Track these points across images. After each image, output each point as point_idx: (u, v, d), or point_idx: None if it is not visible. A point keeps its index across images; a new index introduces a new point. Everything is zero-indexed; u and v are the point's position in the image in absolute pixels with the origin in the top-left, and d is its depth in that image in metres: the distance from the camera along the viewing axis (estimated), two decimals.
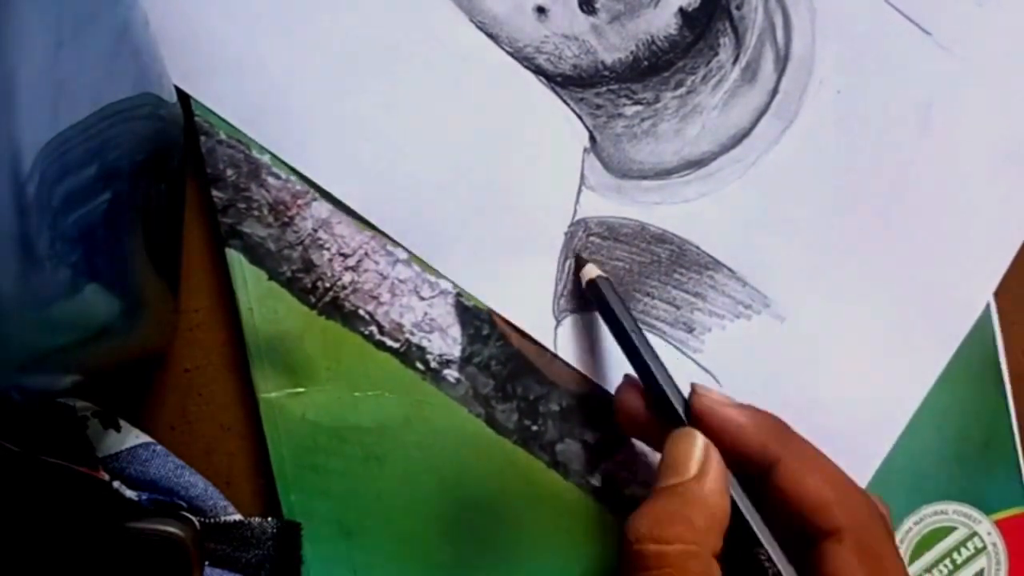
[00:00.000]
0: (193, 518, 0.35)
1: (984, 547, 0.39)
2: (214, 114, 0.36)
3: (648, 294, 0.39)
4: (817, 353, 0.39)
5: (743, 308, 0.39)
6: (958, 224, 0.40)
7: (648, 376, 0.35)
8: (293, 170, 0.37)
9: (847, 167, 0.39)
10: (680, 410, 0.34)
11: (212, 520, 0.36)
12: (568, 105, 0.38)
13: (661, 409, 0.35)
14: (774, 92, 0.39)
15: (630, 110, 0.39)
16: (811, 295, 0.39)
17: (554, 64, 0.38)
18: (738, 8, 0.38)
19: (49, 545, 0.33)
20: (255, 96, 0.36)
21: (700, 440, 0.33)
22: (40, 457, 0.34)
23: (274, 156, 0.37)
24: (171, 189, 0.35)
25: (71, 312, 0.27)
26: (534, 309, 0.38)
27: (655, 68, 0.38)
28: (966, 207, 0.40)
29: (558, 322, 0.38)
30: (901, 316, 0.39)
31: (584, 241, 0.39)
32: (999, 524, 0.39)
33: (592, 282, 0.37)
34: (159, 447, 0.36)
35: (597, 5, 0.38)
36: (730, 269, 0.39)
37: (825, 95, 0.39)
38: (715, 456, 0.32)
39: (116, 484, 0.35)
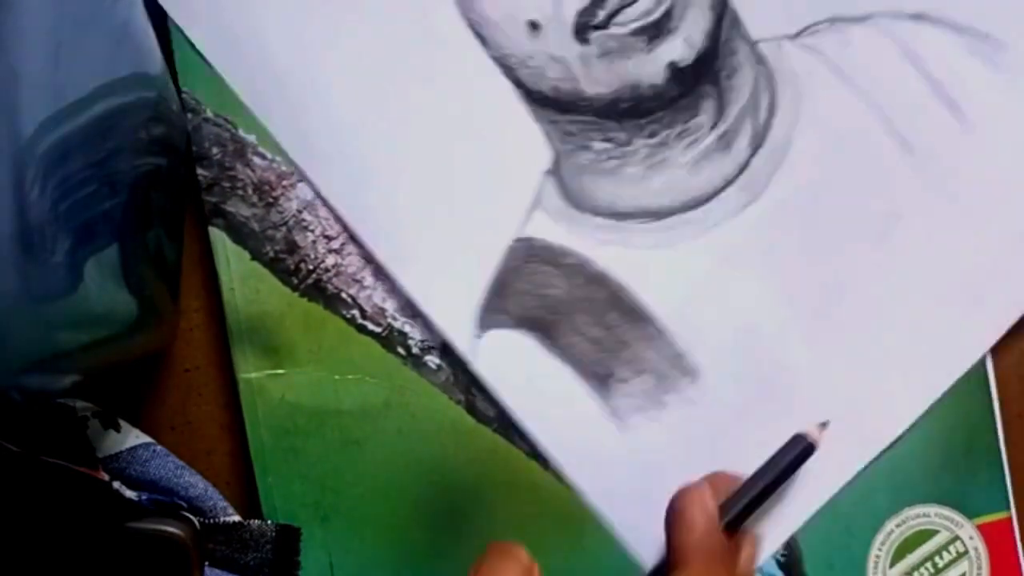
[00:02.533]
0: (193, 518, 0.36)
1: (966, 551, 0.39)
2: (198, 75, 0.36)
3: (576, 330, 0.37)
4: (727, 435, 0.38)
5: (665, 367, 0.38)
6: (905, 336, 0.38)
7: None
8: (279, 151, 0.37)
9: (799, 257, 0.38)
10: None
11: (212, 521, 0.36)
12: (539, 124, 0.38)
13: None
14: (744, 166, 0.38)
15: (599, 145, 0.38)
16: (736, 371, 0.38)
17: (535, 81, 0.37)
18: (728, 78, 0.38)
19: (49, 545, 0.33)
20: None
21: None
22: (40, 457, 0.34)
23: (260, 136, 0.36)
24: (171, 191, 0.35)
25: (75, 311, 0.27)
26: (457, 313, 0.37)
27: (634, 112, 0.38)
28: (914, 328, 0.38)
29: (480, 334, 0.38)
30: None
31: (523, 261, 0.37)
32: (981, 528, 0.39)
33: (810, 444, 0.36)
34: (159, 447, 0.36)
35: (591, 36, 0.37)
36: (660, 327, 0.38)
37: (795, 181, 0.38)
38: None
39: (116, 484, 0.35)
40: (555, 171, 0.38)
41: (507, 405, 0.37)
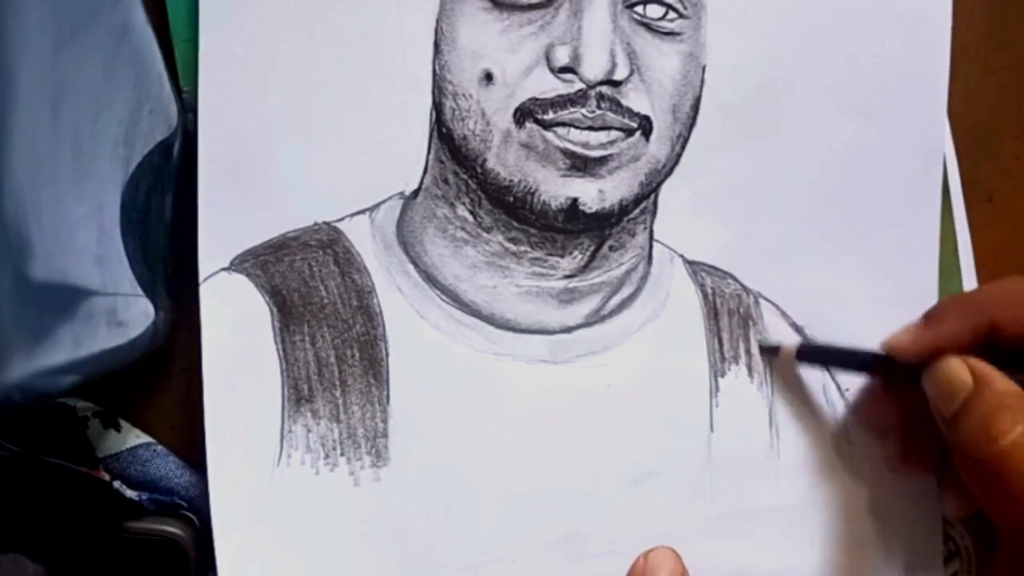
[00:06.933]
0: (193, 518, 0.36)
1: (958, 550, 0.40)
2: None
3: (311, 336, 0.36)
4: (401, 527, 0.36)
5: (362, 433, 0.36)
6: None
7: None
8: None
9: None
10: None
11: None
12: (429, 154, 0.36)
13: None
14: (566, 331, 0.37)
15: (462, 211, 0.36)
16: (427, 478, 0.36)
17: (452, 117, 0.35)
18: (611, 249, 0.36)
19: (49, 545, 0.34)
20: None
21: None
22: (40, 457, 0.34)
23: None
24: (168, 191, 0.35)
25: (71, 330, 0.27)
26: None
27: (513, 209, 0.36)
28: None
29: (228, 270, 0.36)
30: None
31: (319, 245, 0.36)
32: (968, 526, 0.40)
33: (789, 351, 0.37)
34: (159, 447, 0.36)
35: (527, 123, 0.35)
36: (387, 397, 0.36)
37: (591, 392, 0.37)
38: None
39: (116, 484, 0.35)
40: (408, 199, 0.36)
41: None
